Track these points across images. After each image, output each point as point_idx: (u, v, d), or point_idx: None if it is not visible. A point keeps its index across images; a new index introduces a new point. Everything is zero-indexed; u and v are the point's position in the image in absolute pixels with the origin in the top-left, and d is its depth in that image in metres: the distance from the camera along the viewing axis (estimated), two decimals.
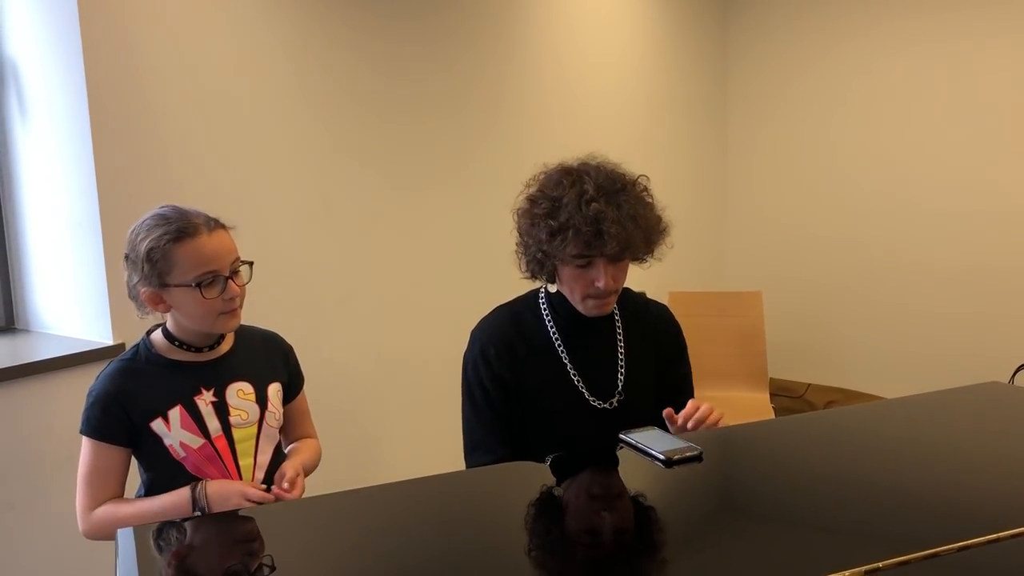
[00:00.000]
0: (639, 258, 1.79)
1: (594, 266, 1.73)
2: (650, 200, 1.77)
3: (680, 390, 1.99)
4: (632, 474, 1.54)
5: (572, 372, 1.86)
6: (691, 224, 4.44)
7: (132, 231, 1.60)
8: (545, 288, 1.93)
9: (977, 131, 4.01)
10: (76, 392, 2.07)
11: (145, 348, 1.66)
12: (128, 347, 1.72)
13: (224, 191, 2.38)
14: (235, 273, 1.61)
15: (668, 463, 1.52)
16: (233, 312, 1.62)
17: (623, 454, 1.60)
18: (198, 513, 1.54)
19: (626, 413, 1.88)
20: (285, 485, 1.61)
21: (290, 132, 2.58)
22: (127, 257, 1.60)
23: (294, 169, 2.58)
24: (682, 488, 1.47)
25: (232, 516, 1.50)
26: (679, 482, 1.48)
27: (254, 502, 1.55)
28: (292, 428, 1.86)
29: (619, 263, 1.75)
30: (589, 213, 1.67)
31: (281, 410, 1.76)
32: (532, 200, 1.77)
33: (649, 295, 3.83)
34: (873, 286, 4.27)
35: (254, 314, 1.78)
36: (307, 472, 1.78)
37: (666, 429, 1.99)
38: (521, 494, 1.50)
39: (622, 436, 1.64)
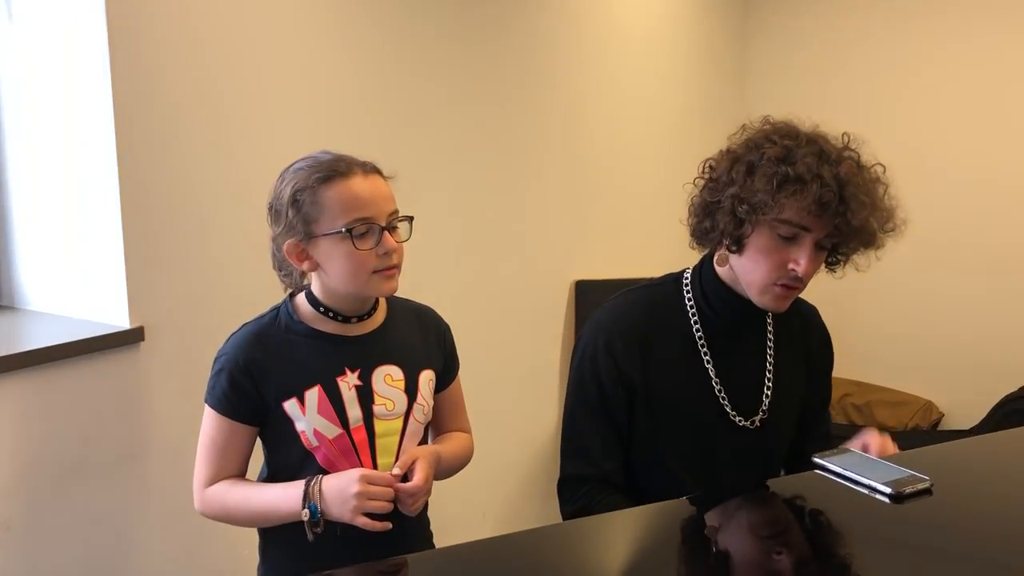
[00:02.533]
0: (849, 252, 1.50)
1: (799, 244, 1.43)
2: (884, 189, 1.48)
3: (822, 408, 1.76)
4: (855, 515, 1.24)
5: (715, 380, 1.59)
6: None
7: (279, 178, 1.40)
8: (695, 271, 1.61)
9: (1004, 120, 3.95)
10: (83, 387, 1.71)
11: (287, 313, 1.44)
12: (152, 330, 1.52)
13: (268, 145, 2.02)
14: (393, 228, 1.38)
15: (896, 498, 1.23)
16: (391, 272, 1.38)
17: (823, 485, 1.29)
18: (306, 513, 1.31)
19: (767, 434, 1.64)
20: (396, 470, 1.36)
21: (339, 95, 2.21)
22: (270, 208, 1.40)
23: (340, 134, 2.22)
24: (920, 533, 1.17)
25: None
26: (912, 523, 1.18)
27: (374, 499, 1.30)
28: (443, 420, 1.59)
29: (821, 253, 1.47)
30: (840, 171, 1.39)
31: (431, 402, 1.51)
32: (754, 145, 1.46)
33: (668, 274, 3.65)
34: (891, 276, 4.12)
35: None
36: (448, 469, 1.52)
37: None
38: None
39: (818, 460, 1.35)
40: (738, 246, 1.47)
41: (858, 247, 1.46)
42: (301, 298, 1.45)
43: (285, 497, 1.35)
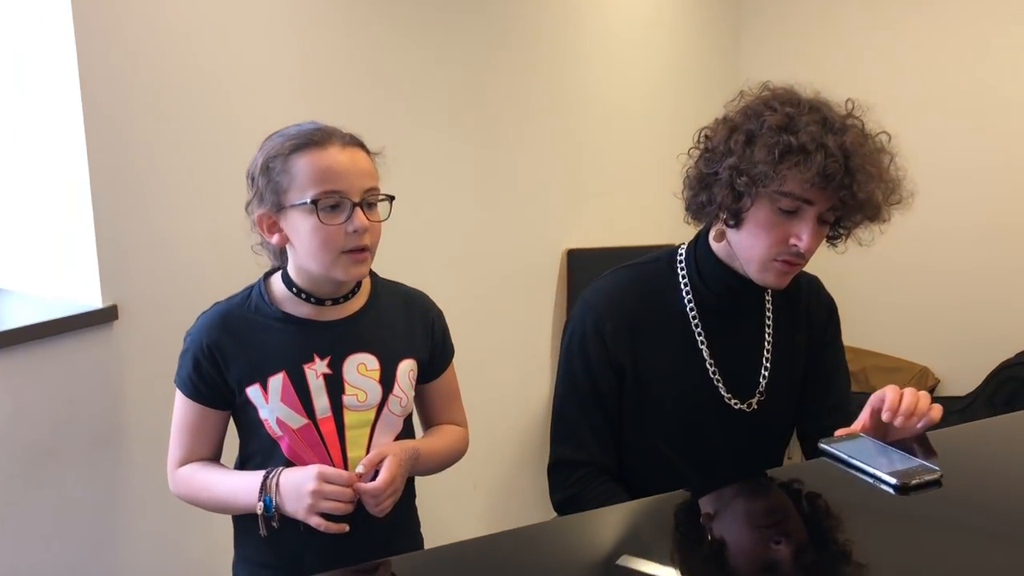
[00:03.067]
0: (853, 225, 1.42)
1: (801, 218, 1.35)
2: (890, 159, 1.40)
3: (831, 380, 1.66)
4: (858, 505, 1.18)
5: (709, 362, 1.51)
6: None
7: (260, 147, 1.33)
8: (690, 247, 1.53)
9: (1004, 88, 3.89)
10: (55, 369, 1.64)
11: (259, 294, 1.37)
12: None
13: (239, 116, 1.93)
14: (369, 206, 1.29)
15: (903, 489, 1.17)
16: (361, 255, 1.28)
17: (828, 472, 1.23)
18: (260, 506, 1.25)
19: (765, 417, 1.57)
20: (359, 469, 1.27)
21: (315, 71, 2.11)
22: (247, 175, 1.33)
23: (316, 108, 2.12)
24: (926, 526, 1.11)
25: None
26: (917, 516, 1.12)
27: (330, 499, 1.23)
28: (433, 412, 1.51)
29: (823, 227, 1.40)
30: (845, 140, 1.30)
31: (410, 395, 1.41)
32: (753, 113, 1.37)
33: (657, 244, 3.59)
34: (886, 241, 4.06)
35: None
36: (433, 466, 1.43)
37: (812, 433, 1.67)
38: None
39: (824, 446, 1.30)
40: (736, 220, 1.39)
41: (863, 221, 1.39)
42: (276, 278, 1.38)
43: (244, 487, 1.29)
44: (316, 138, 1.27)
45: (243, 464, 1.40)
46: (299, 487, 1.23)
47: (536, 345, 3.19)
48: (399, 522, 1.42)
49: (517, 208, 2.96)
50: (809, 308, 1.63)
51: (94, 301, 1.76)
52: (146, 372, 1.84)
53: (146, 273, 1.82)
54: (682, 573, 1.07)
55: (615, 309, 1.50)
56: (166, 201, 1.85)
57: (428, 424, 1.51)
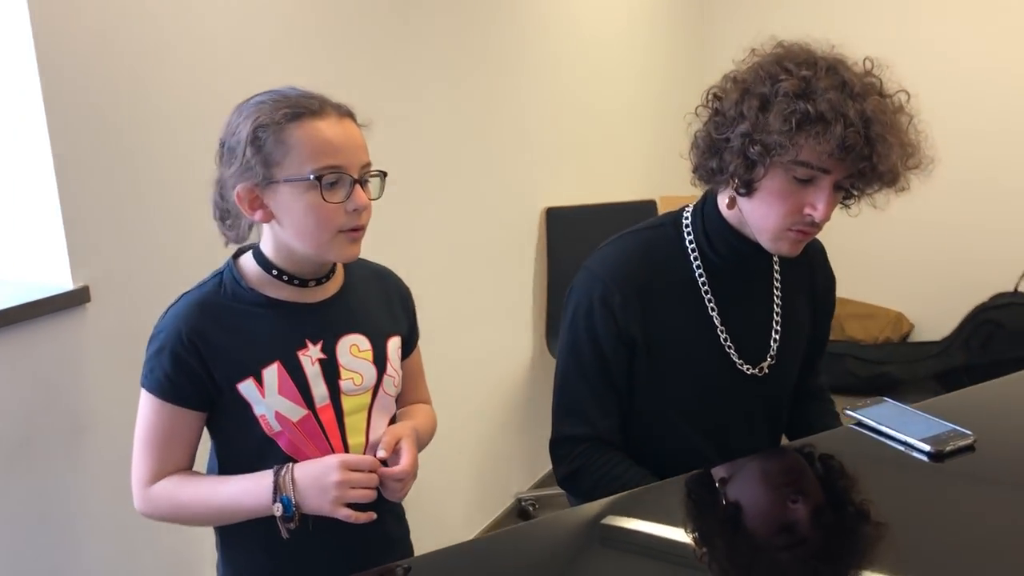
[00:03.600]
0: (869, 191, 1.35)
1: (817, 186, 1.28)
2: (909, 120, 1.32)
3: (822, 346, 1.66)
4: (895, 475, 1.14)
5: (720, 328, 1.46)
6: (670, 126, 4.12)
7: (235, 111, 1.20)
8: (696, 211, 1.47)
9: (982, 42, 3.92)
10: (24, 356, 1.56)
11: (232, 279, 1.24)
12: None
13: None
14: (364, 183, 1.19)
15: (937, 456, 1.13)
16: (357, 234, 1.19)
17: (858, 442, 1.19)
18: (279, 508, 1.14)
19: (775, 381, 1.53)
20: (381, 453, 1.21)
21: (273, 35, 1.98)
22: (222, 145, 1.19)
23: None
24: (963, 493, 1.08)
25: None
26: (954, 483, 1.09)
27: (357, 487, 1.15)
28: (406, 391, 1.42)
29: (838, 193, 1.33)
30: (866, 108, 1.22)
31: (400, 373, 1.34)
32: (767, 74, 1.28)
33: (634, 200, 3.55)
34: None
35: None
36: (423, 445, 1.36)
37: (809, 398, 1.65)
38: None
39: (852, 413, 1.25)
40: (748, 189, 1.32)
41: (881, 188, 1.32)
42: (247, 260, 1.26)
43: (250, 490, 1.17)
44: (312, 106, 1.15)
45: (223, 471, 1.26)
46: (321, 480, 1.14)
47: (519, 305, 3.14)
48: (393, 505, 1.35)
49: (494, 169, 2.87)
50: (814, 273, 1.59)
51: (64, 283, 1.64)
52: (123, 355, 1.73)
53: (118, 250, 1.71)
54: (721, 548, 1.02)
55: (623, 279, 1.43)
56: (135, 174, 1.72)
57: (400, 404, 1.42)
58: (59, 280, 1.64)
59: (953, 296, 3.96)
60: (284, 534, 1.16)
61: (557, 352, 1.53)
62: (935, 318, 4.09)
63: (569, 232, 3.23)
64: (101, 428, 1.71)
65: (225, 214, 1.24)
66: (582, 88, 3.36)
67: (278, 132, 1.14)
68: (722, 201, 1.41)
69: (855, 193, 1.37)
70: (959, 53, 3.94)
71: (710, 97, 1.37)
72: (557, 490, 3.35)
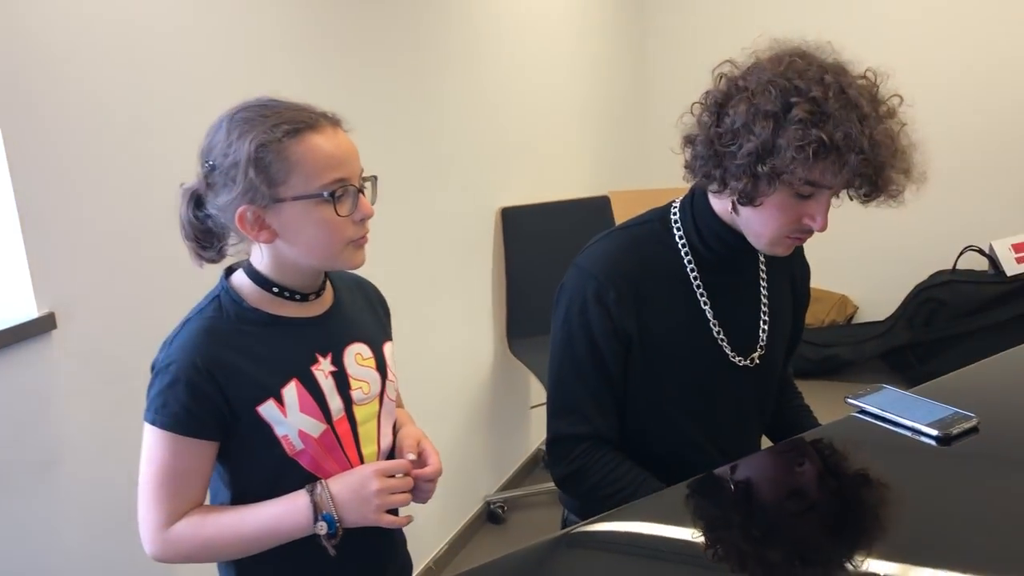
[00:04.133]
0: (865, 199, 1.37)
1: (818, 199, 1.31)
2: (902, 125, 1.33)
3: (797, 341, 1.70)
4: (902, 461, 1.16)
5: (712, 321, 1.47)
6: (617, 121, 4.17)
7: (217, 130, 1.14)
8: (684, 205, 1.48)
9: (917, 26, 4.05)
10: None
11: (231, 301, 1.20)
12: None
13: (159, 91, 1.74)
14: (362, 191, 1.19)
15: (945, 440, 1.15)
16: (363, 241, 1.20)
17: (864, 430, 1.21)
18: (323, 526, 1.14)
19: (765, 371, 1.55)
20: (411, 456, 1.24)
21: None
22: (212, 168, 1.14)
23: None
24: (968, 474, 1.10)
25: None
26: (960, 466, 1.11)
27: (397, 493, 1.18)
28: None
29: (834, 198, 1.35)
30: (875, 139, 1.23)
31: (397, 378, 1.35)
32: (779, 93, 1.26)
33: (587, 196, 3.56)
34: None
35: None
36: None
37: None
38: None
39: (853, 401, 1.27)
40: (748, 199, 1.32)
41: (873, 196, 1.34)
42: (241, 279, 1.22)
43: (286, 513, 1.15)
44: (307, 120, 1.13)
45: (240, 498, 1.22)
46: (360, 491, 1.15)
47: (478, 306, 3.12)
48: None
49: (449, 171, 2.85)
50: (793, 265, 1.62)
51: (28, 310, 1.56)
52: (92, 383, 1.66)
53: (82, 275, 1.63)
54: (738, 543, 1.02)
55: (616, 275, 1.43)
56: (97, 199, 1.65)
57: None
58: (23, 308, 1.56)
59: (894, 276, 4.08)
60: (331, 552, 1.15)
61: (550, 350, 1.51)
62: (878, 299, 4.20)
63: (525, 230, 3.22)
64: (72, 458, 1.64)
65: (203, 235, 1.19)
66: (531, 89, 3.36)
67: (280, 150, 1.11)
68: (720, 203, 1.41)
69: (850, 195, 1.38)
70: (894, 36, 4.03)
71: (709, 101, 1.35)
72: (526, 491, 3.35)
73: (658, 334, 1.45)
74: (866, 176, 1.25)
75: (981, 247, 3.92)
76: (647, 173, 4.57)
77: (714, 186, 1.36)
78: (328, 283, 1.29)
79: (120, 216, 1.70)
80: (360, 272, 1.37)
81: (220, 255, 1.22)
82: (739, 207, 1.35)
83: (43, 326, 1.56)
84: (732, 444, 1.51)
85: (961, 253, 3.90)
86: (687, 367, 1.47)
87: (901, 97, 1.32)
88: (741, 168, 1.27)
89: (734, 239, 1.43)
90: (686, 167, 1.41)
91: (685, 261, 1.46)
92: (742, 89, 1.29)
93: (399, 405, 1.47)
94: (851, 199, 1.37)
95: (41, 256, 1.55)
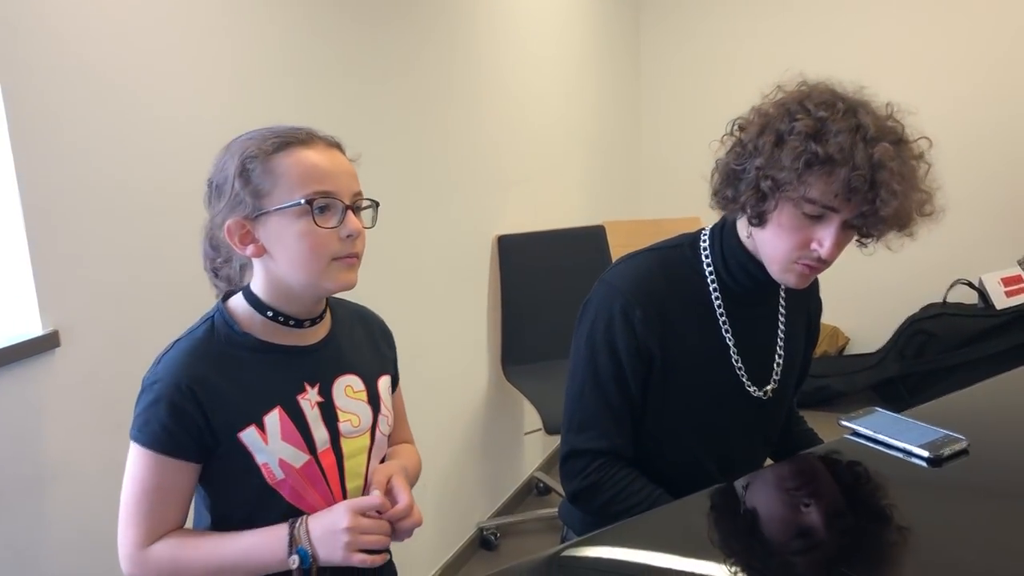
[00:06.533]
0: (879, 236, 1.36)
1: (824, 224, 1.30)
2: (927, 169, 1.36)
3: (805, 375, 1.71)
4: (894, 482, 1.19)
5: (733, 350, 1.49)
6: (612, 153, 4.25)
7: (223, 151, 1.19)
8: (714, 233, 1.51)
9: (916, 60, 4.10)
10: None
11: (224, 323, 1.20)
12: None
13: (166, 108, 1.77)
14: (356, 210, 1.19)
15: (935, 461, 1.18)
16: (352, 260, 1.18)
17: (857, 452, 1.24)
18: (295, 560, 1.12)
19: (776, 403, 1.57)
20: (375, 492, 1.20)
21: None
22: (210, 184, 1.17)
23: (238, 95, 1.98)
24: (960, 495, 1.13)
25: None
26: (950, 487, 1.14)
27: (368, 533, 1.14)
28: (392, 431, 1.40)
29: (848, 231, 1.34)
30: (874, 153, 1.25)
31: (392, 412, 1.33)
32: (786, 112, 1.31)
33: (583, 225, 3.60)
34: None
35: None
36: (410, 483, 1.34)
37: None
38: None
39: (846, 423, 1.29)
40: (760, 220, 1.35)
41: (890, 231, 1.34)
42: (238, 302, 1.22)
43: (262, 545, 1.14)
44: (300, 136, 1.15)
45: (217, 527, 1.21)
46: (332, 528, 1.13)
47: (474, 332, 3.13)
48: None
49: (447, 200, 2.88)
50: (809, 301, 1.64)
51: (33, 328, 1.58)
52: (95, 401, 1.67)
53: (88, 294, 1.64)
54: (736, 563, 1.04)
55: (643, 294, 1.44)
56: (105, 218, 1.67)
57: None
58: (28, 325, 1.57)
59: (885, 309, 4.12)
60: None
61: (570, 365, 1.51)
62: (869, 331, 4.24)
63: (521, 258, 3.25)
64: (71, 477, 1.64)
65: (217, 264, 1.22)
66: (529, 120, 3.41)
67: (266, 162, 1.13)
68: (742, 229, 1.44)
69: (869, 236, 1.38)
70: (889, 67, 4.08)
71: (735, 128, 1.40)
72: (519, 518, 3.35)
73: (679, 357, 1.46)
74: (867, 199, 1.25)
75: (971, 280, 3.97)
76: (641, 204, 4.63)
77: (729, 208, 1.39)
78: (327, 313, 1.28)
79: (127, 237, 1.72)
80: (355, 296, 1.37)
81: (235, 282, 1.25)
82: (753, 230, 1.39)
83: (47, 344, 1.58)
84: (738, 471, 1.53)
85: (951, 286, 3.95)
86: (704, 393, 1.49)
87: (929, 140, 1.34)
88: (748, 183, 1.31)
89: (758, 270, 1.44)
90: (711, 196, 1.44)
91: (711, 288, 1.47)
92: (762, 114, 1.34)
93: (409, 440, 1.47)
94: (868, 236, 1.36)
95: (47, 274, 1.57)
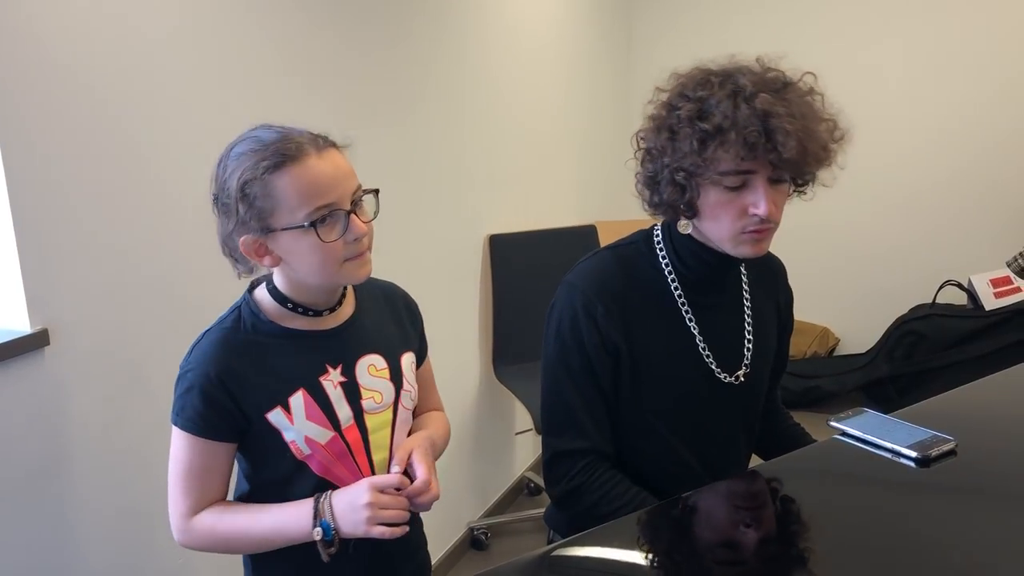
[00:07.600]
0: (806, 177, 1.41)
1: (751, 187, 1.33)
2: (820, 99, 1.39)
3: (783, 367, 1.74)
4: (882, 482, 1.19)
5: (698, 338, 1.51)
6: (604, 153, 4.26)
7: (219, 164, 1.23)
8: (664, 227, 1.53)
9: (902, 61, 4.12)
10: None
11: (251, 313, 1.29)
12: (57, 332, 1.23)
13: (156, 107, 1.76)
14: (357, 206, 1.24)
15: (923, 462, 1.19)
16: (362, 257, 1.26)
17: (846, 452, 1.24)
18: (319, 532, 1.22)
19: (750, 388, 1.58)
20: (396, 468, 1.30)
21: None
22: (216, 200, 1.23)
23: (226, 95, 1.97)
24: (948, 496, 1.14)
25: None
26: (938, 487, 1.15)
27: (388, 508, 1.23)
28: (420, 401, 1.49)
29: (780, 186, 1.37)
30: (756, 106, 1.28)
31: (416, 387, 1.42)
32: (669, 106, 1.37)
33: (574, 225, 3.61)
34: (787, 209, 4.24)
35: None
36: (440, 451, 1.45)
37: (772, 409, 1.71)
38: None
39: (835, 424, 1.30)
40: (692, 211, 1.39)
41: (813, 169, 1.37)
42: (262, 293, 1.31)
43: (291, 518, 1.24)
44: (290, 152, 1.18)
45: (254, 495, 1.33)
46: (353, 503, 1.22)
47: (465, 331, 3.14)
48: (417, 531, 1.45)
49: (439, 199, 2.88)
50: (778, 289, 1.67)
51: (21, 326, 1.58)
52: (85, 399, 1.67)
53: (78, 292, 1.64)
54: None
55: (603, 290, 1.47)
56: (95, 212, 1.67)
57: (414, 412, 1.48)
58: (16, 323, 1.57)
59: (875, 309, 4.14)
60: (325, 558, 1.22)
61: (542, 369, 1.53)
62: (859, 331, 4.26)
63: (512, 257, 3.25)
64: (65, 475, 1.64)
65: (232, 257, 1.28)
66: (521, 120, 3.41)
67: (264, 185, 1.17)
68: (685, 228, 1.47)
69: (801, 182, 1.43)
70: (879, 70, 4.12)
71: (637, 140, 1.46)
72: (509, 517, 3.35)
73: (645, 350, 1.48)
74: (768, 149, 1.27)
75: (960, 282, 3.99)
76: (632, 204, 4.62)
77: (667, 212, 1.43)
78: (351, 295, 1.36)
79: (116, 234, 1.72)
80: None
81: (254, 267, 1.30)
82: (694, 222, 1.43)
83: (36, 342, 1.57)
84: (719, 462, 1.54)
85: (941, 287, 3.97)
86: (674, 383, 1.50)
87: (813, 74, 1.38)
88: (665, 182, 1.37)
89: (709, 255, 1.47)
90: (644, 206, 1.48)
91: (669, 280, 1.50)
92: (652, 118, 1.40)
93: (438, 408, 1.56)
94: (798, 183, 1.41)
95: (36, 272, 1.57)
